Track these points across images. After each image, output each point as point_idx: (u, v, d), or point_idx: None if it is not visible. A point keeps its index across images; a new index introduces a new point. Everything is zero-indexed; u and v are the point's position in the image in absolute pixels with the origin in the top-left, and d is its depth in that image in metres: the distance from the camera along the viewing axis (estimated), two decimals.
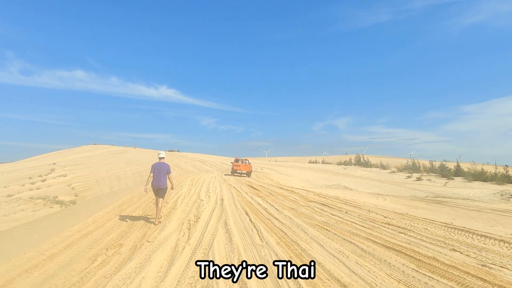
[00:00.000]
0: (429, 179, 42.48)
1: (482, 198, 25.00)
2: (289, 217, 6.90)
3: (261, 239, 5.31)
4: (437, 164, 50.46)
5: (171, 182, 7.23)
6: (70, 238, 6.42)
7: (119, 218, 7.78)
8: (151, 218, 7.31)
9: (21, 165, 46.06)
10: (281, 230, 5.84)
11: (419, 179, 43.19)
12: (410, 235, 5.42)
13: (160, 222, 6.93)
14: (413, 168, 51.06)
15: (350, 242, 4.97)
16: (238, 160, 22.06)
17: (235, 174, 20.68)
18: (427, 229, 6.01)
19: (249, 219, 6.83)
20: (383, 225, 6.22)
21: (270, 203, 8.84)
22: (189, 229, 6.25)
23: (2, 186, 34.98)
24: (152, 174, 7.00)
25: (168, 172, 7.12)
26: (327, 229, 5.81)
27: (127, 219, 7.57)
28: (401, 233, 5.58)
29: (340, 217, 6.91)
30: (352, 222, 6.45)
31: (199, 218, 7.10)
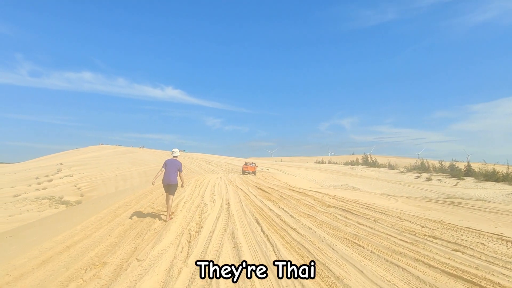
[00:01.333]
0: (439, 180, 40.93)
1: (495, 199, 23.43)
2: (309, 227, 5.67)
3: (278, 258, 4.11)
4: (446, 164, 48.75)
5: (181, 180, 6.91)
6: (49, 252, 5.31)
7: (111, 225, 6.66)
8: (146, 227, 6.16)
9: (28, 165, 45.67)
10: (302, 245, 4.62)
11: (428, 179, 41.68)
12: (470, 255, 4.14)
13: (171, 218, 6.64)
14: (422, 168, 49.44)
15: (397, 266, 3.72)
16: (247, 163, 28.57)
17: (245, 173, 25.83)
18: (483, 244, 4.72)
19: (261, 230, 5.62)
20: (428, 238, 4.95)
21: (283, 209, 7.62)
22: (189, 242, 5.08)
23: (9, 186, 34.44)
24: (163, 170, 6.77)
25: (180, 169, 6.84)
26: (360, 245, 4.58)
27: (120, 226, 6.45)
28: (457, 251, 4.30)
29: (370, 228, 5.65)
30: (387, 234, 5.19)
31: (201, 227, 5.92)
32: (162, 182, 6.78)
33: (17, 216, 26.10)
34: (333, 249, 4.41)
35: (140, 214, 7.40)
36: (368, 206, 8.18)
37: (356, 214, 6.90)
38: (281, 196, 9.92)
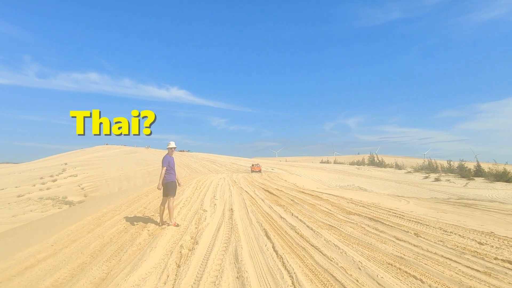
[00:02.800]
0: (448, 180, 39.28)
1: (508, 200, 21.80)
2: (335, 245, 4.29)
3: None
4: (455, 164, 46.94)
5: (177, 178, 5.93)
6: (0, 276, 4.05)
7: (89, 237, 5.38)
8: (129, 241, 4.84)
9: (34, 166, 45.04)
10: (332, 276, 3.25)
11: (437, 179, 40.09)
12: None
13: (177, 224, 5.67)
14: (430, 168, 47.75)
15: None
16: (253, 164, 35.56)
17: (253, 172, 30.51)
18: None
19: (273, 248, 4.26)
20: (503, 264, 3.53)
21: (296, 217, 6.24)
22: (179, 265, 3.74)
23: (13, 186, 33.68)
24: (165, 168, 5.65)
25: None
26: (414, 276, 3.18)
27: (99, 239, 5.17)
28: None
29: (415, 246, 4.24)
30: (443, 257, 3.78)
31: (197, 242, 4.59)
32: (164, 184, 5.65)
33: (20, 216, 25.19)
34: (379, 283, 3.03)
35: (127, 222, 6.11)
36: (396, 213, 6.76)
37: (388, 225, 5.49)
38: (292, 200, 8.53)
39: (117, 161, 45.62)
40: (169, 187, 5.63)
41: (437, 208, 9.44)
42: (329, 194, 10.12)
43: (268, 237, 4.76)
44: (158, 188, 5.64)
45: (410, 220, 5.95)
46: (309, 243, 4.38)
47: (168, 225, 5.57)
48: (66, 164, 41.95)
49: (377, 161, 54.46)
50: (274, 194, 9.73)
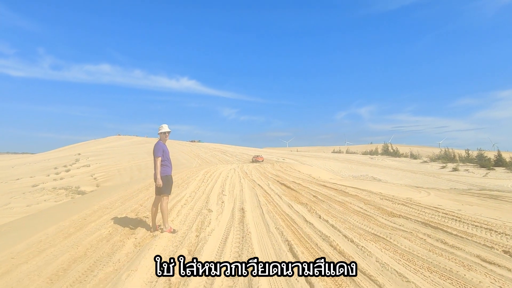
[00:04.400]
0: (467, 170, 37.28)
1: None
2: (398, 273, 2.81)
3: None
4: (473, 153, 44.43)
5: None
6: None
7: (59, 247, 4.10)
8: (107, 254, 3.52)
9: (49, 156, 45.23)
10: None
11: (455, 169, 38.11)
12: None
13: (173, 230, 4.31)
14: (447, 158, 45.35)
15: None
16: (255, 155, 36.64)
17: (255, 162, 32.33)
18: None
19: (306, 279, 2.84)
20: None
21: (326, 221, 4.77)
22: None
23: (28, 176, 33.72)
24: (160, 158, 4.29)
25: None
26: None
27: (70, 251, 3.89)
28: None
29: None
30: None
31: (195, 259, 3.23)
32: (159, 179, 4.28)
33: (34, 206, 24.91)
34: None
35: (114, 225, 4.83)
36: (453, 215, 5.19)
37: (454, 235, 3.94)
38: (314, 196, 7.05)
39: (128, 151, 45.28)
40: (163, 183, 4.28)
41: (461, 200, 8.33)
42: (355, 188, 8.56)
43: (295, 255, 3.34)
44: (158, 185, 4.26)
45: (475, 226, 4.38)
46: (359, 269, 2.91)
47: (162, 231, 4.24)
48: (79, 154, 41.85)
49: (392, 150, 52.13)
50: (291, 188, 8.27)
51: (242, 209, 5.54)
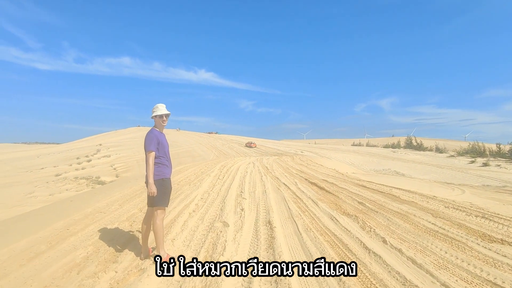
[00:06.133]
0: (498, 165, 33.94)
1: None
2: None
3: None
4: (505, 147, 40.55)
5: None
6: None
7: (10, 281, 2.85)
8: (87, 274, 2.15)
9: (72, 146, 46.22)
10: None
11: (485, 164, 34.90)
12: None
13: (171, 259, 2.85)
14: (475, 152, 41.66)
15: None
16: (250, 142, 41.66)
17: (248, 147, 36.90)
18: None
19: None
20: None
21: (397, 248, 3.16)
22: None
23: (51, 165, 34.37)
24: (153, 154, 2.90)
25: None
26: None
27: (45, 271, 2.62)
28: None
29: None
30: None
31: None
32: (150, 183, 2.89)
33: (57, 195, 25.04)
34: None
35: (97, 242, 3.51)
36: None
37: None
38: (359, 203, 5.38)
39: None
40: (157, 189, 2.87)
41: (500, 199, 7.37)
42: (404, 190, 6.79)
43: None
44: (151, 193, 2.86)
45: None
46: None
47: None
48: (100, 145, 42.31)
49: (415, 144, 48.74)
50: (326, 190, 6.64)
51: (269, 222, 4.04)
